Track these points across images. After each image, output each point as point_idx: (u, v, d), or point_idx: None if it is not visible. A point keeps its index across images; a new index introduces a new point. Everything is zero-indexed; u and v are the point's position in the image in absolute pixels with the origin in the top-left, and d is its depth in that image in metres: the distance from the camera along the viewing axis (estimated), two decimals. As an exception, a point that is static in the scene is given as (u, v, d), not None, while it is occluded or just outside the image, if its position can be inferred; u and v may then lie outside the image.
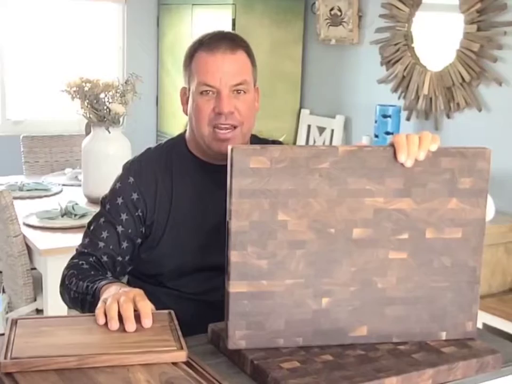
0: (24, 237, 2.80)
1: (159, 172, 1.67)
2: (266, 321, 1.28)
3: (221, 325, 1.33)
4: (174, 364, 1.23)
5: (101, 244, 1.64)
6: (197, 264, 1.64)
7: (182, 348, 1.26)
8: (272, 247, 1.25)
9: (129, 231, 1.64)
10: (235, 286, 1.25)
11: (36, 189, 3.52)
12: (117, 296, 1.36)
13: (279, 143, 1.78)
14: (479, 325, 1.43)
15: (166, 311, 1.41)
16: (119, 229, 1.64)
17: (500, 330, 2.90)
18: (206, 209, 1.65)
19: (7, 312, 2.97)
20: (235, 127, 1.60)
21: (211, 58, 1.59)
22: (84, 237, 1.69)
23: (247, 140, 1.66)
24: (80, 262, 1.63)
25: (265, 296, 1.27)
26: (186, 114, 1.68)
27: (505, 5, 3.48)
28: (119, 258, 1.65)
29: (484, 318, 2.94)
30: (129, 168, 1.70)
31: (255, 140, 1.73)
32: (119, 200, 1.66)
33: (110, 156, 3.21)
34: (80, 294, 1.55)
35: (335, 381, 1.18)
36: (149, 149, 1.74)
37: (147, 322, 1.32)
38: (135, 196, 1.65)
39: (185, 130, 1.73)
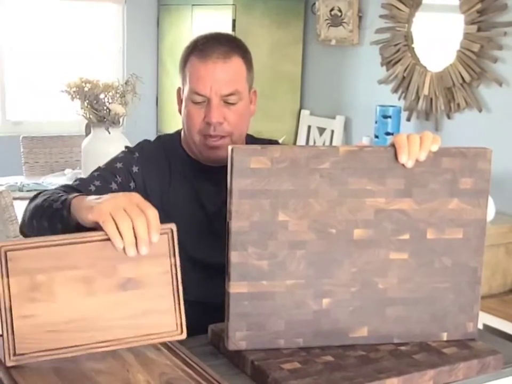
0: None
1: (160, 161, 1.66)
2: (267, 322, 1.27)
3: (221, 325, 1.32)
4: (175, 365, 1.23)
5: (92, 188, 1.56)
6: (192, 263, 1.62)
7: (181, 331, 1.25)
8: (272, 248, 1.25)
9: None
10: (235, 287, 1.25)
11: (36, 190, 3.51)
12: (121, 203, 1.18)
13: (276, 142, 1.77)
14: (480, 326, 1.42)
15: (166, 229, 1.25)
16: (113, 186, 1.59)
17: (500, 331, 2.90)
18: (201, 208, 1.64)
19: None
20: (224, 137, 1.59)
21: (202, 66, 1.57)
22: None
23: (240, 144, 1.64)
24: (57, 191, 1.46)
25: (265, 296, 1.26)
26: (181, 114, 1.68)
27: (505, 6, 3.48)
28: None
29: (485, 319, 2.94)
30: (134, 148, 1.69)
31: (251, 140, 1.73)
32: (119, 165, 1.63)
33: (110, 156, 3.20)
34: (53, 211, 1.35)
35: (336, 382, 1.18)
36: (147, 140, 1.73)
37: (155, 237, 1.18)
38: (135, 169, 1.63)
39: (182, 129, 1.73)
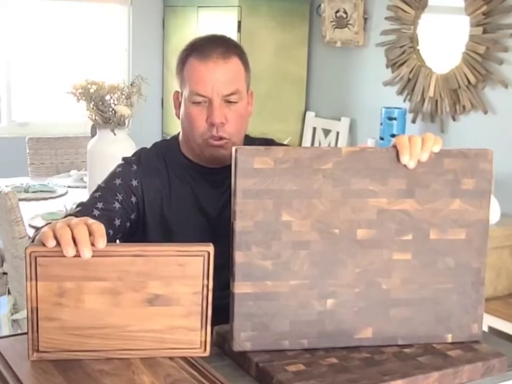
0: (30, 238, 2.80)
1: (159, 168, 1.67)
2: (271, 322, 1.27)
3: (226, 327, 1.32)
4: (180, 367, 1.23)
5: (96, 212, 1.55)
6: None
7: (205, 349, 1.26)
8: (276, 248, 1.25)
9: (125, 210, 1.60)
10: (240, 287, 1.25)
11: (41, 191, 3.53)
12: (66, 220, 1.21)
13: (271, 140, 1.77)
14: (485, 328, 1.42)
15: (202, 251, 1.24)
16: (116, 205, 1.59)
17: (505, 333, 2.89)
18: (201, 212, 1.65)
19: (12, 314, 2.98)
20: (226, 139, 1.60)
21: (203, 66, 1.57)
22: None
23: (239, 144, 1.63)
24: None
25: (270, 297, 1.26)
26: (179, 118, 1.68)
27: (511, 7, 3.47)
28: (110, 231, 1.51)
29: (490, 321, 2.94)
30: (132, 159, 1.69)
31: (248, 139, 1.73)
32: (118, 181, 1.63)
33: (116, 157, 3.20)
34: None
35: (340, 384, 1.18)
36: (144, 148, 1.74)
37: (101, 243, 1.17)
38: (135, 182, 1.63)
39: (179, 133, 1.73)
